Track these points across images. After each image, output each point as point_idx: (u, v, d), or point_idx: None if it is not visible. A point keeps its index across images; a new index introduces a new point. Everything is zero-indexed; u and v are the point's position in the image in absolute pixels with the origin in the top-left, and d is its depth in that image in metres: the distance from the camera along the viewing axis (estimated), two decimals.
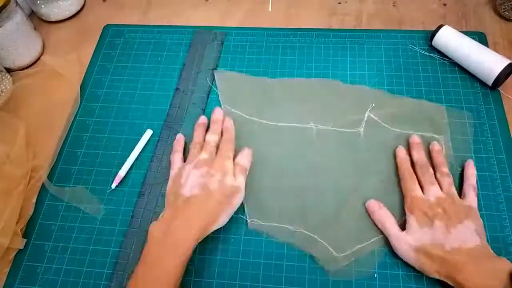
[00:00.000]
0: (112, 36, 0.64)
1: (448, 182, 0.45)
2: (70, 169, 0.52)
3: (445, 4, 0.63)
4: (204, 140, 0.48)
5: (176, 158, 0.48)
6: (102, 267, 0.45)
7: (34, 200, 0.50)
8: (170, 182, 0.46)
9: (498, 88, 0.54)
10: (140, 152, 0.52)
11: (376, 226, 0.45)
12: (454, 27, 0.56)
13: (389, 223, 0.44)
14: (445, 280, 0.40)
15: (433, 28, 0.57)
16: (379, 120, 0.51)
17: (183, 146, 0.50)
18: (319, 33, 0.61)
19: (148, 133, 0.53)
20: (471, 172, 0.46)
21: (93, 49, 0.63)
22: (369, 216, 0.46)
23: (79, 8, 0.68)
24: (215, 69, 0.59)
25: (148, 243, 0.41)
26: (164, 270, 0.38)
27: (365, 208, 0.46)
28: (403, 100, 0.53)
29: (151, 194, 0.49)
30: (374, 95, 0.54)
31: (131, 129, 0.55)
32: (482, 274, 0.38)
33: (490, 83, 0.53)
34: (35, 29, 0.63)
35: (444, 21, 0.61)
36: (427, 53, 0.58)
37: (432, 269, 0.40)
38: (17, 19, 0.58)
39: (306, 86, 0.55)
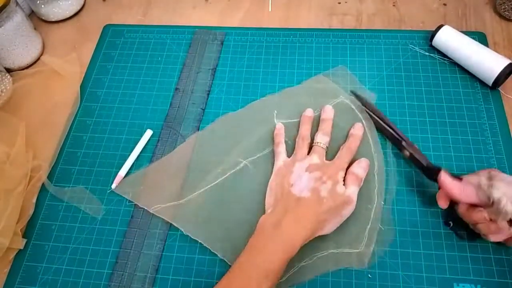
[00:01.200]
0: (112, 36, 0.64)
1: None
2: (70, 169, 0.52)
3: (445, 4, 0.63)
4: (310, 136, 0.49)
5: (281, 149, 0.48)
6: (102, 267, 0.45)
7: (34, 200, 0.50)
8: (274, 176, 0.46)
9: (498, 88, 0.54)
10: (140, 152, 0.52)
11: None
12: (454, 27, 0.56)
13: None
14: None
15: (433, 28, 0.57)
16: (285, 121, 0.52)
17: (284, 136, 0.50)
18: (319, 33, 0.61)
19: (148, 133, 0.53)
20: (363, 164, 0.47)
21: (93, 49, 0.63)
22: None
23: (79, 8, 0.68)
24: (215, 69, 0.59)
25: (256, 232, 0.41)
26: (268, 260, 0.38)
27: None
28: (293, 90, 0.55)
29: None
30: (274, 100, 0.55)
31: (131, 129, 0.55)
32: None
33: (490, 83, 0.53)
34: (35, 29, 0.63)
35: (444, 21, 0.61)
36: (427, 53, 0.58)
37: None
38: (17, 19, 0.58)
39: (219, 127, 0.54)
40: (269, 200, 0.45)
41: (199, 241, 0.45)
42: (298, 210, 0.41)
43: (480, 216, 0.40)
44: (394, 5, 0.64)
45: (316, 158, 0.46)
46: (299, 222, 0.41)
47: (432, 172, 0.44)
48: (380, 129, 0.50)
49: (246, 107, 0.54)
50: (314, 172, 0.44)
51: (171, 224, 0.47)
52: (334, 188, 0.43)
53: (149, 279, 0.44)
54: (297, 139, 0.49)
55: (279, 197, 0.44)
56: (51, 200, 0.50)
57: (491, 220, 0.40)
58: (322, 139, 0.48)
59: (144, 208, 0.48)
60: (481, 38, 0.58)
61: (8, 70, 0.61)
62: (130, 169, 0.51)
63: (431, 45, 0.58)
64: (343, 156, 0.46)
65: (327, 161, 0.46)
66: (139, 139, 0.53)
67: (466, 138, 0.51)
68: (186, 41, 0.62)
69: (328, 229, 0.43)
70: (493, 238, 0.41)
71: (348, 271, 0.43)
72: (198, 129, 0.54)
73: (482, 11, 0.62)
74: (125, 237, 0.47)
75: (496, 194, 0.38)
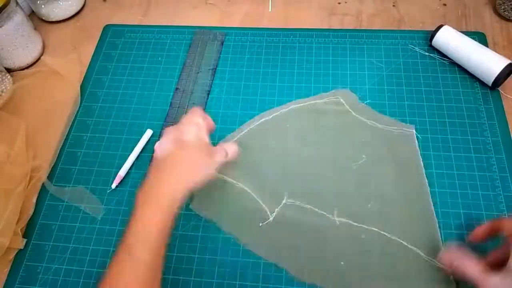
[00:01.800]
0: (112, 36, 0.64)
1: None
2: (70, 169, 0.52)
3: (445, 4, 0.63)
4: None
5: None
6: (103, 267, 0.45)
7: (34, 200, 0.50)
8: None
9: (498, 88, 0.54)
10: (140, 152, 0.52)
11: None
12: (454, 27, 0.56)
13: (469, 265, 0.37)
14: None
15: (433, 28, 0.57)
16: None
17: None
18: (319, 33, 0.61)
19: (148, 133, 0.53)
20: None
21: (93, 49, 0.63)
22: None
23: (79, 8, 0.68)
24: (215, 69, 0.59)
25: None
26: (142, 228, 0.36)
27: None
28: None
29: None
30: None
31: (131, 129, 0.55)
32: None
33: (489, 83, 0.53)
34: (35, 29, 0.63)
35: (444, 21, 0.61)
36: (427, 53, 0.58)
37: None
38: (17, 19, 0.58)
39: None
40: None
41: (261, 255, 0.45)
42: (160, 168, 0.40)
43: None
44: (394, 5, 0.64)
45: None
46: (162, 178, 0.39)
47: None
48: None
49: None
50: (171, 130, 0.43)
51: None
52: (199, 132, 0.42)
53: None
54: None
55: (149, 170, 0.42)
56: (51, 200, 0.50)
57: None
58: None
59: None
60: (480, 38, 0.58)
61: (9, 70, 0.61)
62: (130, 169, 0.51)
63: (431, 45, 0.58)
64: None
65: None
66: (139, 139, 0.53)
67: (466, 138, 0.51)
68: (186, 41, 0.62)
69: (202, 174, 0.41)
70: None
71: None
72: None
73: (482, 11, 0.62)
74: None
75: None
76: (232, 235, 0.46)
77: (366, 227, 0.45)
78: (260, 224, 0.46)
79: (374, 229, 0.45)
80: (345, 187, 0.48)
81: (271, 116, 0.53)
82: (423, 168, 0.48)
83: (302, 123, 0.53)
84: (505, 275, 0.34)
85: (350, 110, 0.53)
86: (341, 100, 0.54)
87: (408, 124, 0.52)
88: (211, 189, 0.48)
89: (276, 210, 0.47)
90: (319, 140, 0.51)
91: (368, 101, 0.54)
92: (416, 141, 0.50)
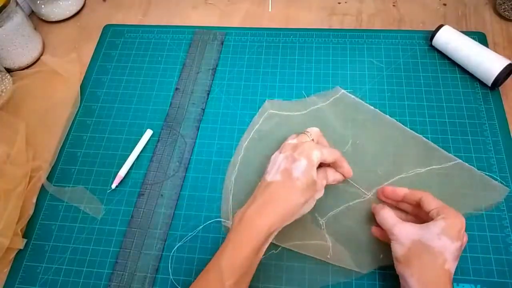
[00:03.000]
0: (112, 36, 0.64)
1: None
2: (70, 169, 0.52)
3: (445, 4, 0.63)
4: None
5: None
6: (102, 267, 0.45)
7: (34, 200, 0.50)
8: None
9: (498, 88, 0.54)
10: (140, 152, 0.52)
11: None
12: (454, 27, 0.56)
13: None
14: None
15: (433, 28, 0.57)
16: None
17: None
18: (319, 33, 0.61)
19: (148, 133, 0.53)
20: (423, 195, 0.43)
21: (93, 49, 0.63)
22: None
23: (79, 8, 0.68)
24: (215, 69, 0.59)
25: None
26: (229, 257, 0.37)
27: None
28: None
29: (150, 194, 0.49)
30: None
31: (131, 129, 0.55)
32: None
33: (489, 83, 0.53)
34: (35, 29, 0.63)
35: (444, 21, 0.61)
36: (427, 53, 0.58)
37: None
38: (17, 19, 0.58)
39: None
40: None
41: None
42: (265, 196, 0.39)
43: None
44: (394, 5, 0.64)
45: (293, 139, 0.44)
46: (264, 209, 0.39)
47: None
48: None
49: None
50: (286, 151, 0.42)
51: (171, 224, 0.47)
52: (309, 167, 0.40)
53: (149, 279, 0.44)
54: None
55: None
56: (51, 200, 0.50)
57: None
58: (311, 129, 0.46)
59: (144, 209, 0.48)
60: (481, 38, 0.58)
61: (8, 70, 0.61)
62: (130, 169, 0.51)
63: (431, 45, 0.58)
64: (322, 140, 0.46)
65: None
66: (139, 139, 0.53)
67: (466, 138, 0.51)
68: (186, 41, 0.62)
69: (303, 210, 0.41)
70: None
71: (349, 271, 0.43)
72: (198, 129, 0.54)
73: (482, 11, 0.62)
74: (125, 237, 0.47)
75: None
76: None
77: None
78: (328, 256, 0.44)
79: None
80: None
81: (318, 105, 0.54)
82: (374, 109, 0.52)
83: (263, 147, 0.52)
84: (420, 226, 0.38)
85: (280, 112, 0.54)
86: (271, 110, 0.54)
87: (333, 88, 0.55)
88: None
89: (326, 235, 0.45)
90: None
91: (368, 101, 0.54)
92: (351, 95, 0.54)
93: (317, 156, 0.41)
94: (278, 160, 0.42)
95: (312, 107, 0.54)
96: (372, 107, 0.53)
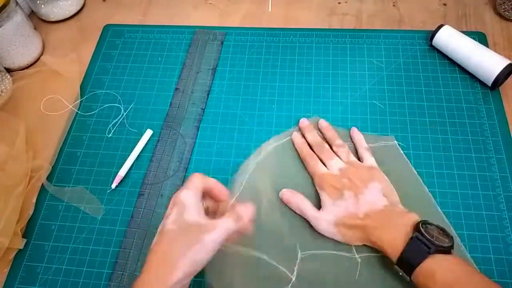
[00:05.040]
0: (112, 36, 0.64)
1: (345, 151, 0.48)
2: (70, 169, 0.52)
3: (445, 4, 0.63)
4: None
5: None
6: (102, 267, 0.45)
7: (34, 200, 0.50)
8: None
9: (498, 88, 0.54)
10: (140, 152, 0.52)
11: None
12: (454, 27, 0.56)
13: (306, 206, 0.45)
14: (367, 244, 0.42)
15: (433, 28, 0.57)
16: None
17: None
18: (319, 33, 0.61)
19: (148, 133, 0.53)
20: (358, 137, 0.50)
21: (93, 49, 0.63)
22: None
23: (79, 8, 0.68)
24: (215, 69, 0.59)
25: None
26: None
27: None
28: None
29: (150, 194, 0.49)
30: None
31: (131, 129, 0.55)
32: (389, 230, 0.40)
33: (489, 83, 0.53)
34: (35, 29, 0.63)
35: (444, 21, 0.61)
36: (427, 53, 0.58)
37: (353, 238, 0.43)
38: (17, 19, 0.58)
39: None
40: None
41: None
42: (146, 265, 0.34)
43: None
44: (394, 5, 0.64)
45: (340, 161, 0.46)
46: (144, 279, 0.34)
47: None
48: None
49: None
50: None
51: None
52: (179, 212, 0.36)
53: None
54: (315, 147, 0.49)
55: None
56: (51, 200, 0.50)
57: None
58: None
59: (144, 209, 0.48)
60: (481, 38, 0.58)
61: (8, 70, 0.61)
62: (130, 169, 0.51)
63: (431, 45, 0.58)
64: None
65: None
66: (139, 139, 0.53)
67: (466, 138, 0.51)
68: (186, 41, 0.62)
69: (186, 263, 0.34)
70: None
71: None
72: (198, 129, 0.54)
73: (482, 11, 0.62)
74: (125, 237, 0.47)
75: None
76: None
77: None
78: None
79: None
80: None
81: (247, 174, 0.49)
82: (416, 175, 0.48)
83: (279, 165, 0.50)
84: (326, 210, 0.44)
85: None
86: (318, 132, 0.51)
87: (388, 136, 0.51)
88: (222, 260, 0.43)
89: (295, 268, 0.43)
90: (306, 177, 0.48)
91: (368, 101, 0.54)
92: (401, 150, 0.50)
93: (186, 194, 0.36)
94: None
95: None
96: (415, 176, 0.48)
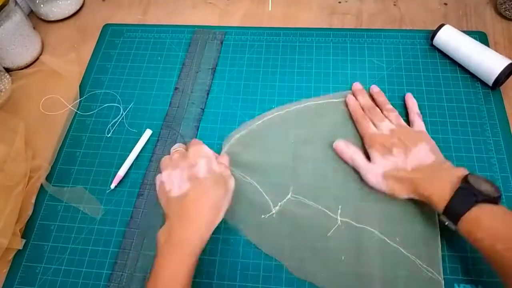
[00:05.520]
0: (111, 36, 0.64)
1: (395, 115, 0.49)
2: (70, 169, 0.52)
3: (446, 4, 0.63)
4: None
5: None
6: (101, 267, 0.45)
7: (33, 200, 0.50)
8: (158, 198, 0.44)
9: (499, 88, 0.54)
10: (139, 152, 0.52)
11: None
12: (455, 27, 0.56)
13: (358, 157, 0.47)
14: (414, 197, 0.43)
15: (434, 28, 0.56)
16: None
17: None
18: (319, 32, 0.61)
19: (148, 133, 0.53)
20: (412, 102, 0.51)
21: (93, 49, 0.63)
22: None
23: (78, 7, 0.68)
24: (215, 68, 0.59)
25: (156, 251, 0.39)
26: (170, 275, 0.37)
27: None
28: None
29: (150, 194, 0.49)
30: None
31: (130, 128, 0.54)
32: (437, 181, 0.42)
33: (490, 83, 0.52)
34: (34, 28, 0.63)
35: (445, 20, 0.61)
36: (428, 53, 0.58)
37: (401, 190, 0.44)
38: (16, 19, 0.58)
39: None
40: None
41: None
42: (183, 210, 0.40)
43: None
44: (394, 5, 0.64)
45: (175, 155, 0.45)
46: (187, 221, 0.39)
47: None
48: None
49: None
50: (179, 165, 0.43)
51: None
52: (210, 164, 0.42)
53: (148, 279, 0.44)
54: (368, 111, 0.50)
55: (167, 210, 0.42)
56: (50, 200, 0.50)
57: None
58: (176, 145, 0.48)
59: (143, 209, 0.48)
60: (482, 37, 0.58)
61: (7, 70, 0.60)
62: (130, 169, 0.51)
63: (432, 45, 0.58)
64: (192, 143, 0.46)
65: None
66: (139, 139, 0.53)
67: (467, 138, 0.50)
68: (186, 40, 0.62)
69: (224, 209, 0.41)
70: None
71: None
72: (198, 129, 0.54)
73: (483, 11, 0.61)
74: (124, 237, 0.47)
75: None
76: (237, 226, 0.46)
77: (369, 228, 0.45)
78: (262, 216, 0.46)
79: (375, 231, 0.44)
80: (349, 187, 0.47)
81: (273, 114, 0.53)
82: None
83: (303, 123, 0.52)
84: (376, 163, 0.45)
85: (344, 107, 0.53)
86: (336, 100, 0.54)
87: None
88: None
89: (279, 203, 0.47)
90: (321, 140, 0.51)
91: None
92: None
93: (207, 150, 0.44)
94: (174, 175, 0.42)
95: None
96: None
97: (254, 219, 0.46)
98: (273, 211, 0.46)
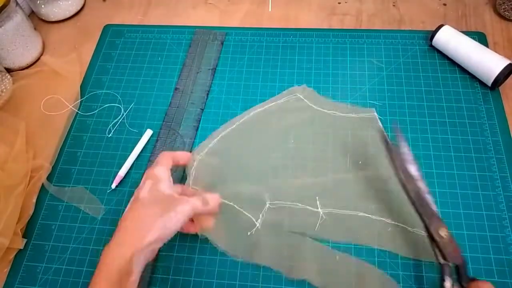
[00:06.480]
0: (112, 36, 0.64)
1: None
2: (70, 169, 0.52)
3: (445, 4, 0.63)
4: None
5: None
6: None
7: (34, 200, 0.50)
8: None
9: (498, 88, 0.54)
10: (140, 152, 0.52)
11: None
12: (454, 27, 0.56)
13: None
14: None
15: (433, 28, 0.57)
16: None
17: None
18: (319, 33, 0.61)
19: (148, 133, 0.53)
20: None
21: (93, 49, 0.63)
22: None
23: (79, 8, 0.68)
24: (215, 69, 0.59)
25: None
26: None
27: None
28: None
29: None
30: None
31: (131, 129, 0.55)
32: None
33: (489, 83, 0.52)
34: (35, 29, 0.63)
35: (444, 21, 0.61)
36: (427, 53, 0.58)
37: None
38: (17, 19, 0.58)
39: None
40: None
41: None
42: (120, 228, 0.37)
43: None
44: (394, 5, 0.64)
45: None
46: (121, 238, 0.37)
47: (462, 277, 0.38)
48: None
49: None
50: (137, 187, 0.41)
51: None
52: (157, 185, 0.39)
53: (146, 279, 0.44)
54: None
55: None
56: (51, 200, 0.50)
57: None
58: None
59: None
60: (481, 38, 0.58)
61: (8, 70, 0.61)
62: (130, 169, 0.51)
63: (431, 45, 0.58)
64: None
65: None
66: (139, 139, 0.53)
67: (466, 138, 0.51)
68: (186, 41, 0.62)
69: (157, 230, 0.36)
70: None
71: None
72: (197, 129, 0.54)
73: (482, 11, 0.62)
74: None
75: None
76: (227, 252, 0.44)
77: (350, 212, 0.46)
78: (249, 233, 0.45)
79: (360, 213, 0.46)
80: (323, 181, 0.48)
81: (235, 124, 0.53)
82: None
83: (266, 125, 0.52)
84: None
85: (311, 104, 0.54)
86: (300, 96, 0.54)
87: (368, 107, 0.53)
88: None
89: (260, 215, 0.46)
90: (286, 139, 0.51)
91: (368, 100, 0.54)
92: (380, 123, 0.51)
93: (159, 169, 0.41)
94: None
95: (336, 113, 0.53)
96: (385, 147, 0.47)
97: (241, 239, 0.45)
98: (257, 225, 0.45)
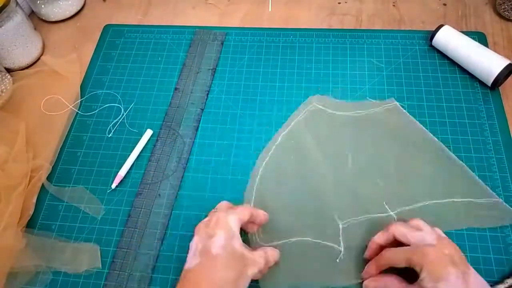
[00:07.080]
0: (112, 36, 0.64)
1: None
2: (70, 169, 0.52)
3: (445, 4, 0.63)
4: None
5: None
6: (102, 267, 0.45)
7: (34, 200, 0.50)
8: None
9: (498, 88, 0.54)
10: (140, 152, 0.52)
11: None
12: (454, 27, 0.56)
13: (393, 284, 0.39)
14: None
15: (433, 28, 0.57)
16: None
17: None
18: (319, 33, 0.61)
19: (148, 133, 0.53)
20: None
21: (93, 49, 0.63)
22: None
23: (79, 8, 0.68)
24: (215, 69, 0.59)
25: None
26: None
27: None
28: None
29: (148, 194, 0.49)
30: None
31: (131, 129, 0.55)
32: None
33: (489, 83, 0.53)
34: (35, 29, 0.63)
35: (444, 21, 0.61)
36: (427, 53, 0.58)
37: None
38: (17, 19, 0.58)
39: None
40: None
41: None
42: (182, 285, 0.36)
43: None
44: (394, 5, 0.64)
45: (208, 217, 0.40)
46: None
47: None
48: None
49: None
50: (200, 230, 0.39)
51: (168, 223, 0.47)
52: (230, 240, 0.37)
53: (146, 279, 0.44)
54: None
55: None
56: (51, 200, 0.50)
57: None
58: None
59: (142, 208, 0.48)
60: (481, 38, 0.58)
61: (8, 70, 0.61)
62: (130, 169, 0.51)
63: (431, 45, 0.58)
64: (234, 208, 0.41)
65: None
66: (139, 139, 0.53)
67: (466, 138, 0.51)
68: (186, 41, 0.62)
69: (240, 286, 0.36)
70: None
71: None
72: (197, 129, 0.54)
73: (482, 11, 0.62)
74: (122, 236, 0.47)
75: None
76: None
77: (420, 204, 0.46)
78: (338, 261, 0.43)
79: (427, 202, 0.46)
80: (384, 184, 0.47)
81: (268, 156, 0.51)
82: (423, 127, 0.51)
83: (301, 146, 0.51)
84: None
85: (332, 111, 0.53)
86: (319, 106, 0.54)
87: (388, 100, 0.54)
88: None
89: (340, 239, 0.44)
90: (332, 154, 0.50)
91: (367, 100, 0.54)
92: (402, 109, 0.53)
93: (234, 220, 0.38)
94: (193, 243, 0.38)
95: (360, 111, 0.53)
96: (420, 126, 0.51)
97: (329, 270, 0.43)
98: (342, 250, 0.44)
